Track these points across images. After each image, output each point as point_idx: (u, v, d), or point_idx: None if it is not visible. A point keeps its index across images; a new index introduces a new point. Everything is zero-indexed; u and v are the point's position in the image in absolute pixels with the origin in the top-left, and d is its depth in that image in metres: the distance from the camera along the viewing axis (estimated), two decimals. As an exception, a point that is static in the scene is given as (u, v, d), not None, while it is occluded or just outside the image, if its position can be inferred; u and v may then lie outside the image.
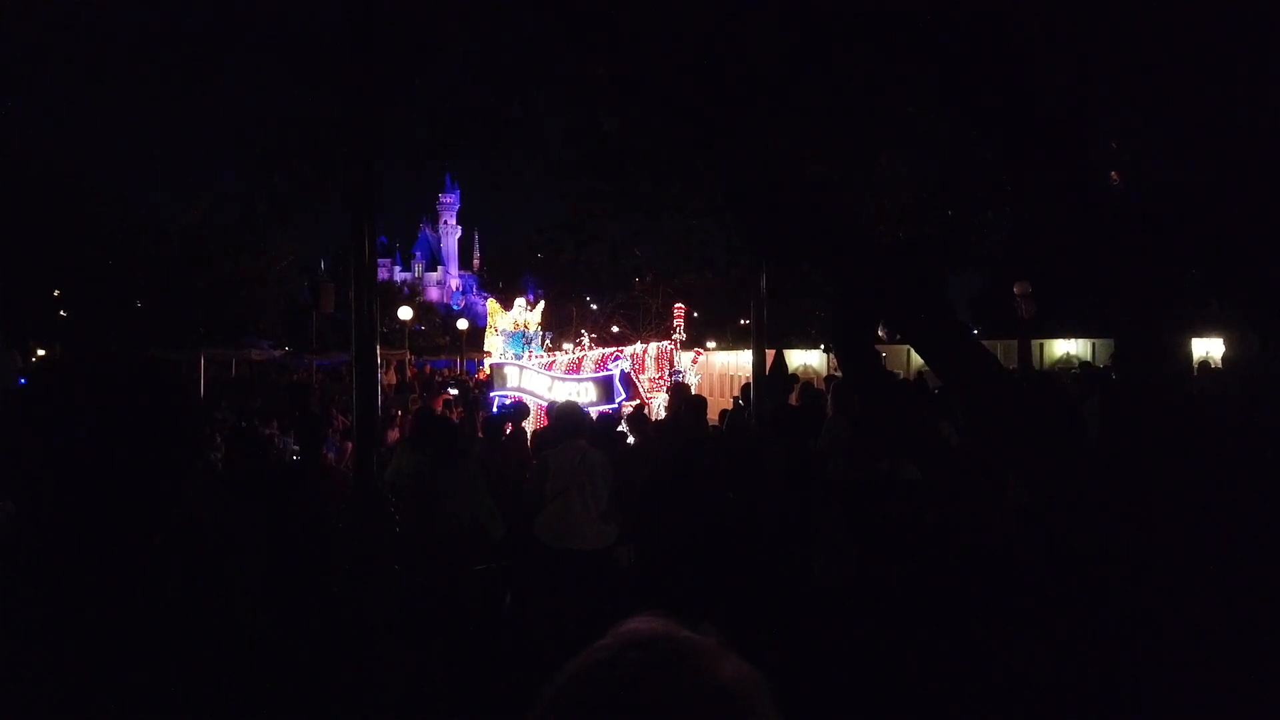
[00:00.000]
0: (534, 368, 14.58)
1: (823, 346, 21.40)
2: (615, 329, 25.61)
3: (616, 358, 13.82)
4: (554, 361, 15.20)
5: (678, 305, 17.53)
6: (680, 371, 14.23)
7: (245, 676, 1.00)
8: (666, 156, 5.31)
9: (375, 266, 4.86)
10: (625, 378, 13.14)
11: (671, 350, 14.81)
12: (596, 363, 14.13)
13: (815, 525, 6.21)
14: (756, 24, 3.70)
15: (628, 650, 0.71)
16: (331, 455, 13.79)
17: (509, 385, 14.36)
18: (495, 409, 14.00)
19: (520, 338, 16.34)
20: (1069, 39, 3.48)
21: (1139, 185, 4.20)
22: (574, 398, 12.65)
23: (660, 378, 14.26)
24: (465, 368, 27.40)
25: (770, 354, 13.58)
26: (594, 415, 12.34)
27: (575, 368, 14.44)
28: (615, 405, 12.16)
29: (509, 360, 15.66)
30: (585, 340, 17.69)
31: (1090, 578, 3.35)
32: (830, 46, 3.92)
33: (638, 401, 13.19)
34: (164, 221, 29.51)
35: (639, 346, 15.58)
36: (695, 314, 26.01)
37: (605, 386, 12.77)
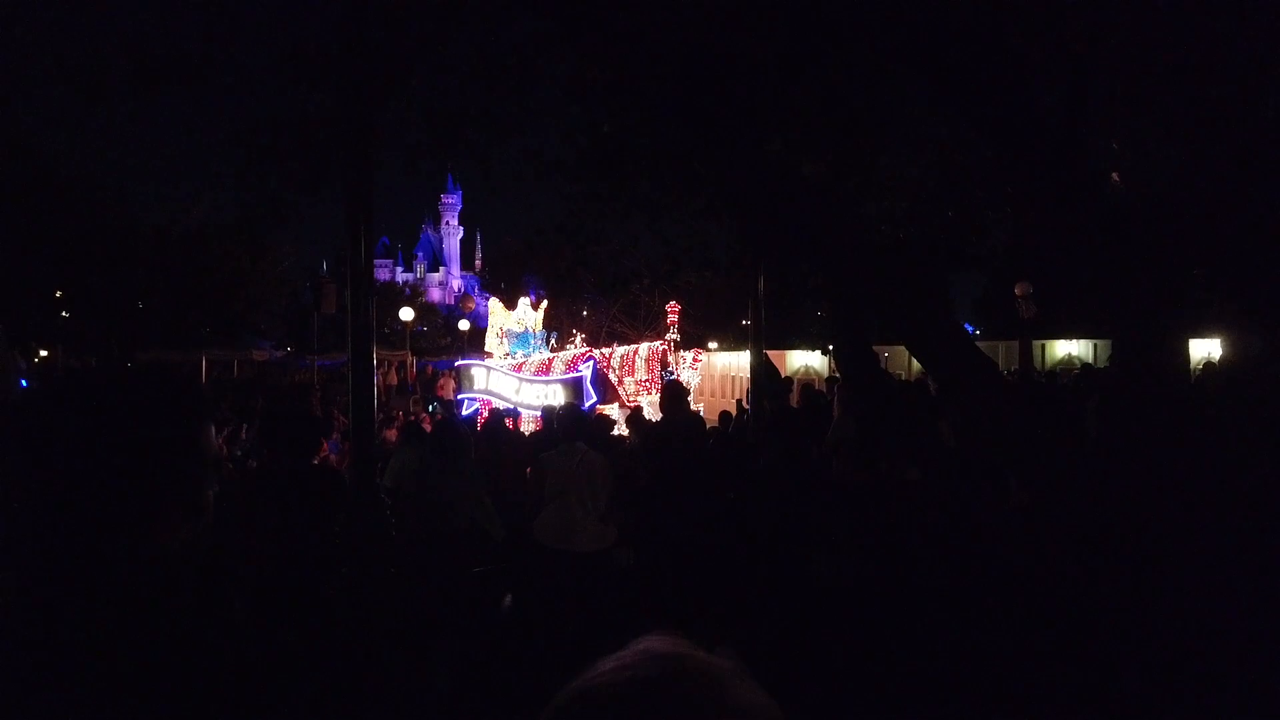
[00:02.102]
0: (502, 369, 14.13)
1: (822, 349, 21.38)
2: (587, 330, 25.36)
3: (588, 358, 13.39)
4: (524, 363, 14.78)
5: (671, 303, 17.17)
6: (673, 371, 13.92)
7: (242, 679, 0.98)
8: (665, 157, 5.29)
9: (371, 267, 4.85)
10: (597, 379, 12.78)
11: (664, 350, 14.41)
12: (567, 364, 13.69)
13: (815, 527, 6.19)
14: (754, 26, 3.69)
15: (641, 667, 0.69)
16: (334, 456, 13.75)
17: (476, 387, 13.93)
18: (463, 412, 13.69)
19: (527, 338, 16.08)
20: (1067, 39, 3.46)
21: (1140, 185, 4.18)
22: (542, 400, 12.39)
23: (650, 379, 13.87)
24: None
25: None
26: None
27: (545, 369, 14.03)
28: (586, 408, 12.03)
29: (475, 361, 15.34)
30: (578, 340, 17.25)
31: (1091, 579, 3.33)
32: (828, 48, 3.91)
33: (616, 404, 12.88)
34: (165, 223, 29.57)
35: (629, 347, 15.20)
36: (697, 314, 25.89)
37: (575, 388, 12.40)
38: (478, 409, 13.49)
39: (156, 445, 1.05)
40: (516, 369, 14.27)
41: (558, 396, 12.37)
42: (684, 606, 5.69)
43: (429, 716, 4.80)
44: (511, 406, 12.59)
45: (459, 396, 14.52)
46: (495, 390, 13.55)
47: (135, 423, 1.04)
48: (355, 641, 4.66)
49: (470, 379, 14.17)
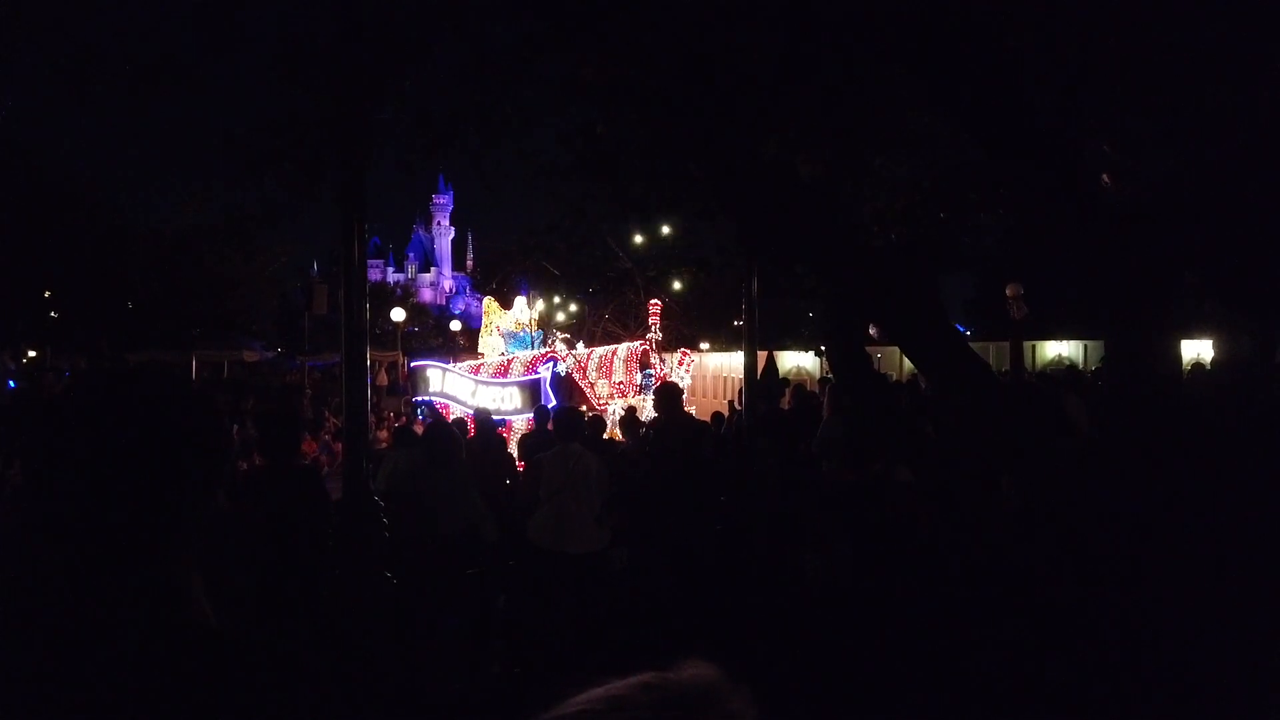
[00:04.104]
0: (458, 371, 13.67)
1: (815, 350, 21.38)
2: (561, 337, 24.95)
3: (549, 359, 12.99)
4: (481, 365, 14.29)
5: (653, 301, 16.68)
6: (652, 373, 13.57)
7: (238, 684, 0.98)
8: (659, 158, 5.29)
9: (365, 268, 4.84)
10: (558, 381, 12.31)
11: (644, 351, 13.94)
12: (526, 365, 13.22)
13: (808, 527, 6.20)
14: (748, 27, 3.69)
15: (661, 693, 0.68)
16: (324, 458, 13.64)
17: (431, 390, 13.47)
18: (419, 415, 13.26)
19: (525, 338, 15.79)
20: (1060, 43, 3.48)
21: (1131, 187, 4.20)
22: (498, 403, 12.10)
23: (628, 382, 13.32)
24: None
25: (762, 356, 13.23)
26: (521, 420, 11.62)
27: (503, 371, 13.55)
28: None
29: (430, 362, 14.78)
30: (558, 339, 16.75)
31: (1083, 579, 3.34)
32: (822, 49, 3.91)
33: (584, 407, 12.57)
34: (156, 223, 29.42)
35: (607, 348, 14.76)
36: (690, 315, 25.82)
37: (531, 391, 12.08)
38: (423, 416, 13.12)
39: (179, 452, 1.03)
40: (474, 371, 13.85)
41: (514, 400, 12.09)
42: (676, 607, 5.69)
43: (423, 718, 4.79)
44: (470, 411, 12.17)
45: (414, 400, 14.00)
46: (450, 393, 13.13)
47: (159, 428, 1.02)
48: (350, 644, 4.64)
49: (425, 381, 13.62)
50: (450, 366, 14.07)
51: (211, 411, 1.09)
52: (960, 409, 3.76)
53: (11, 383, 18.83)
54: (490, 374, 13.57)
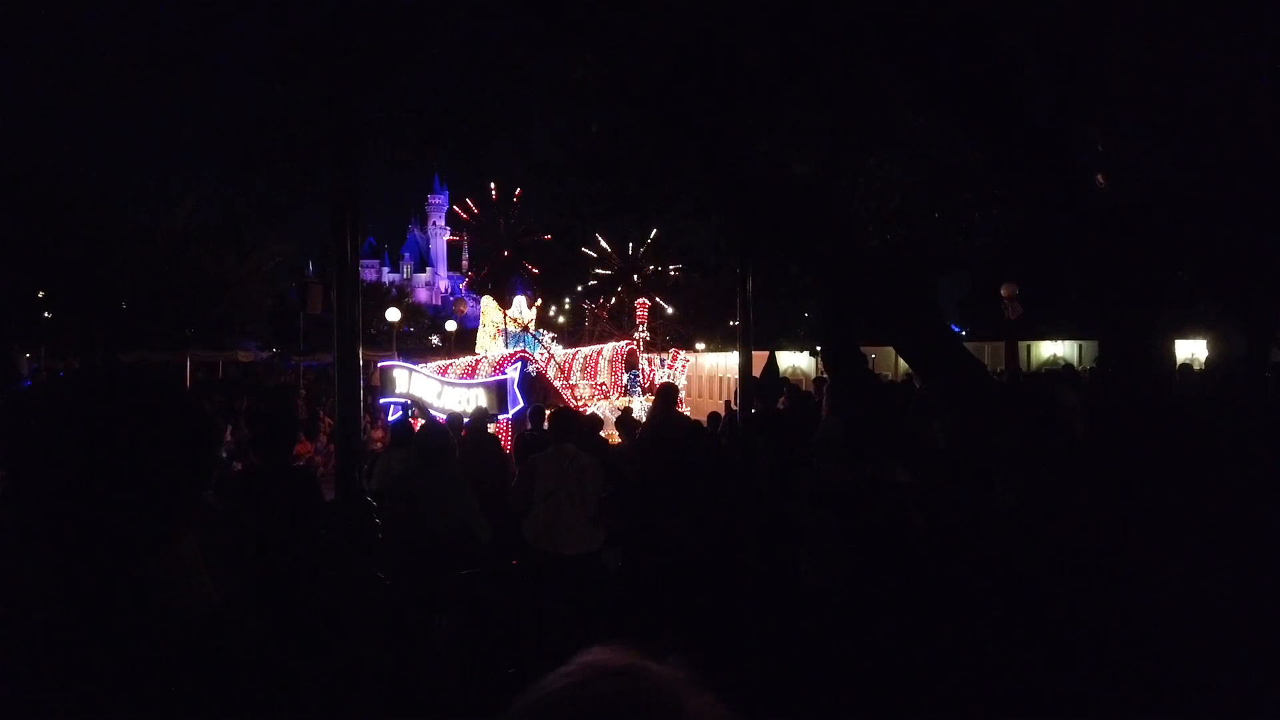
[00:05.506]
0: (425, 372, 13.57)
1: (810, 350, 21.40)
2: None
3: (518, 359, 12.87)
4: (449, 365, 14.24)
5: (641, 300, 16.71)
6: (638, 373, 13.47)
7: (232, 684, 0.97)
8: (654, 157, 5.28)
9: (358, 267, 4.82)
10: (526, 382, 12.24)
11: (631, 350, 13.82)
12: (494, 365, 13.14)
13: (804, 528, 6.20)
14: (745, 27, 3.69)
15: (592, 680, 0.68)
16: (320, 458, 13.58)
17: (398, 390, 13.35)
18: (388, 416, 12.95)
19: (525, 337, 15.70)
20: (1055, 44, 3.48)
21: (1125, 187, 4.21)
22: (464, 405, 12.03)
23: (613, 382, 13.26)
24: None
25: (763, 355, 13.21)
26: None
27: (470, 372, 13.47)
28: (512, 414, 11.17)
29: (397, 363, 14.69)
30: (545, 339, 16.58)
31: (1077, 578, 3.34)
32: (818, 49, 3.91)
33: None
34: (149, 222, 29.35)
35: (592, 348, 14.68)
36: (682, 314, 25.84)
37: (498, 392, 11.97)
38: (401, 415, 13.05)
39: (173, 454, 1.02)
40: (442, 371, 13.76)
41: (480, 401, 12.01)
42: (670, 608, 5.68)
43: (417, 719, 4.77)
44: (437, 412, 11.95)
45: (381, 401, 13.85)
46: (416, 394, 13.00)
47: (151, 429, 1.01)
48: (343, 645, 4.63)
49: (392, 381, 13.50)
50: (417, 367, 13.92)
51: (196, 408, 1.08)
52: (956, 409, 3.76)
53: (28, 383, 18.87)
54: (458, 375, 13.44)
